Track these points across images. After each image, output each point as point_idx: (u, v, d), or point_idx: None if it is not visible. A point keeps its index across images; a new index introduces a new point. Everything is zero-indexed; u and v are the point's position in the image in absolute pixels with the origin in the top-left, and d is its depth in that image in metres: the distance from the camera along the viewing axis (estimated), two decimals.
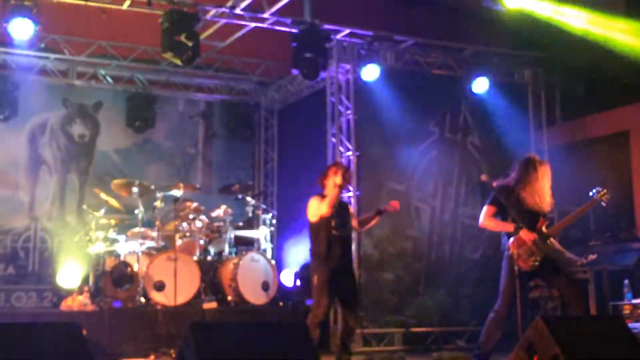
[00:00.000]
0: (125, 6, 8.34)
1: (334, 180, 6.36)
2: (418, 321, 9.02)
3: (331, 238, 6.27)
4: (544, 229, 6.07)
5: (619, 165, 9.56)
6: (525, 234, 5.96)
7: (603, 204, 6.18)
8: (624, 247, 8.51)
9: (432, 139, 9.52)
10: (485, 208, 6.22)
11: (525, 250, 5.99)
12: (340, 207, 6.44)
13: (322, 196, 6.39)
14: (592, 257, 8.23)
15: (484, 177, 6.67)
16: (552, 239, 6.12)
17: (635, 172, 9.58)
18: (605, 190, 6.16)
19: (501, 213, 6.17)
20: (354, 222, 6.68)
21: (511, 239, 6.05)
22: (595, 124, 9.95)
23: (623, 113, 9.54)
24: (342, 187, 6.41)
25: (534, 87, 10.32)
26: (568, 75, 10.34)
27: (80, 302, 8.21)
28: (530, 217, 6.05)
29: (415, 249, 9.25)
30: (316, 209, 6.32)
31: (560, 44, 9.45)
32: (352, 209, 6.62)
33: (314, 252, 6.40)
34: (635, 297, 7.79)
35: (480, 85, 9.63)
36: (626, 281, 7.95)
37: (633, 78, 9.16)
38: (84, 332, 4.59)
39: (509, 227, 6.06)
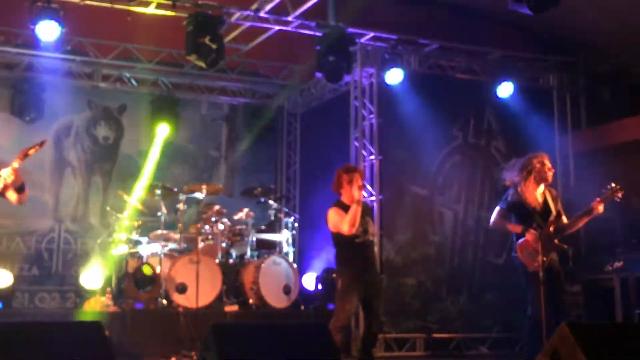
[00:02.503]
0: (150, 9, 8.37)
1: (350, 192, 6.09)
2: (440, 327, 8.95)
3: (354, 246, 6.13)
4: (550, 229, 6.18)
5: None
6: (531, 236, 6.10)
7: (617, 199, 6.19)
8: None
9: (456, 144, 9.46)
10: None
11: (531, 252, 6.13)
12: (361, 213, 6.14)
13: (341, 205, 6.17)
14: (618, 264, 8.14)
15: (508, 182, 6.64)
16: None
17: None
18: (618, 186, 6.18)
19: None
20: (371, 229, 6.37)
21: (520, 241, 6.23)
22: (621, 129, 9.81)
23: None
24: (360, 202, 6.07)
25: (559, 92, 10.23)
26: (594, 80, 10.23)
27: (102, 303, 8.23)
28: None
29: (438, 254, 9.18)
30: (336, 225, 6.11)
31: (585, 47, 9.35)
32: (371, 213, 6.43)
33: (338, 258, 6.30)
34: None
35: (505, 89, 9.54)
36: None
37: None
38: (107, 332, 4.59)
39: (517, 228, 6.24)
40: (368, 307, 6.26)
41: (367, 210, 6.43)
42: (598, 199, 6.15)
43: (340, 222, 6.05)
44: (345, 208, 6.10)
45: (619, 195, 6.18)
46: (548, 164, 6.35)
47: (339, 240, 6.20)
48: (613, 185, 6.21)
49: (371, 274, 6.25)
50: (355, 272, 6.12)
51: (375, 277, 6.39)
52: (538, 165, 6.30)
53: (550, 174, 6.34)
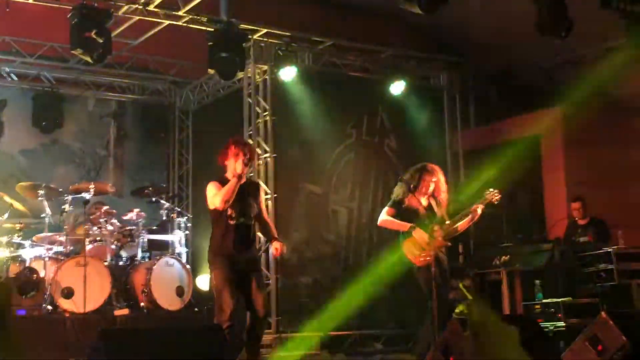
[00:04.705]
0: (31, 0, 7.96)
1: (233, 165, 5.62)
2: (336, 325, 8.94)
3: (228, 228, 5.59)
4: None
5: (530, 168, 9.80)
6: (417, 233, 6.35)
7: (494, 202, 6.52)
8: (536, 248, 8.69)
9: (350, 141, 9.53)
10: None
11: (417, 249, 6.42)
12: (243, 193, 5.65)
13: (222, 180, 5.69)
14: (504, 258, 8.41)
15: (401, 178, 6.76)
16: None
17: (545, 175, 9.85)
18: (496, 191, 6.52)
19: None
20: (262, 208, 5.85)
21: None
22: (508, 128, 10.18)
23: (534, 117, 9.79)
24: (241, 177, 5.58)
25: (449, 91, 10.48)
26: (482, 80, 10.55)
27: None
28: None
29: (333, 252, 9.22)
30: (211, 199, 5.61)
31: (474, 48, 9.64)
32: (263, 190, 6.08)
33: (210, 242, 5.70)
34: (545, 297, 7.99)
35: (398, 88, 9.67)
36: (537, 282, 8.14)
37: (543, 83, 9.41)
38: None
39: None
40: (250, 305, 5.66)
41: (254, 190, 5.86)
42: (477, 204, 6.51)
43: (214, 195, 5.58)
44: (225, 183, 5.61)
45: (497, 199, 6.51)
46: (434, 180, 6.56)
47: (213, 220, 5.69)
48: (491, 190, 6.55)
49: (249, 261, 5.70)
50: (227, 259, 5.57)
51: (254, 264, 5.86)
52: (424, 182, 6.55)
53: (430, 190, 6.57)
